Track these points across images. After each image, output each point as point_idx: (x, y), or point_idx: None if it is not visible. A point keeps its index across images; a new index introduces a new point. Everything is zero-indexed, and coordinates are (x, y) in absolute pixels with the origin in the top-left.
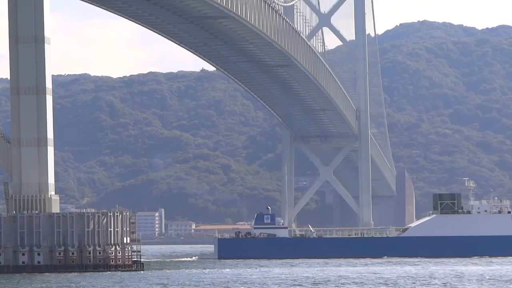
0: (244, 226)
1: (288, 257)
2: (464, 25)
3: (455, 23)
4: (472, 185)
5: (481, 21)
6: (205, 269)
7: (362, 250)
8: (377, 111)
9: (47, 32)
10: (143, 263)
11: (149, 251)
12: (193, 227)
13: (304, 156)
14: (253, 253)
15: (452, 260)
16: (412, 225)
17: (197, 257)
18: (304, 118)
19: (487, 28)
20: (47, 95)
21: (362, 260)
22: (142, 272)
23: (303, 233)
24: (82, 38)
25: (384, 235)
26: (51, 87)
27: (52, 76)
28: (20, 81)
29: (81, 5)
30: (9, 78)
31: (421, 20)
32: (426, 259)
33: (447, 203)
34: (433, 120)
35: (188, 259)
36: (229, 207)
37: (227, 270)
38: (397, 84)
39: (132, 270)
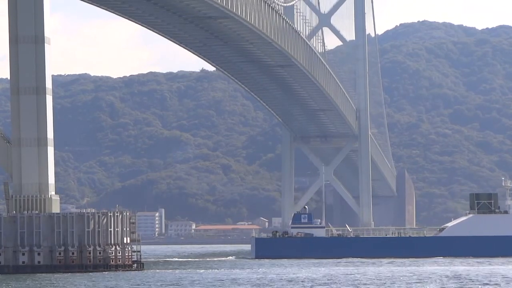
0: (244, 226)
1: (326, 256)
2: (464, 25)
3: (455, 23)
4: (509, 184)
5: (481, 21)
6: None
7: (399, 250)
8: (377, 111)
9: (47, 32)
10: (143, 263)
11: (177, 251)
12: (193, 227)
13: (304, 156)
14: (290, 252)
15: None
16: (449, 224)
17: (233, 256)
18: (304, 118)
19: (487, 28)
20: (47, 95)
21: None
22: (169, 271)
23: (340, 232)
24: (82, 38)
25: (421, 235)
26: (51, 87)
27: (52, 76)
28: (20, 81)
29: (82, 6)
30: (9, 78)
31: (421, 20)
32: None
33: (484, 203)
34: (433, 120)
35: (224, 258)
36: (229, 207)
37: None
38: (397, 84)
39: (132, 270)
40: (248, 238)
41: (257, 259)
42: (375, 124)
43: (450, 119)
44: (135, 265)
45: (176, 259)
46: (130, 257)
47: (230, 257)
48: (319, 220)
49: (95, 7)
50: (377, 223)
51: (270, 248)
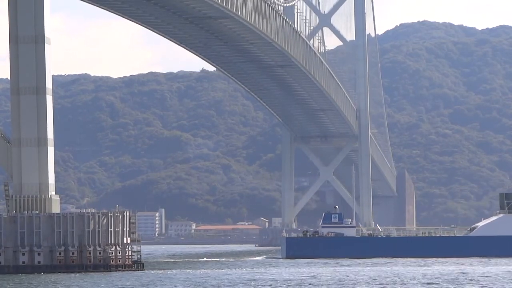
0: (244, 226)
1: (356, 256)
2: (464, 25)
3: (455, 23)
4: None
5: (481, 21)
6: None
7: (430, 249)
8: (377, 111)
9: (47, 32)
10: (143, 263)
11: (205, 250)
12: (193, 227)
13: (304, 156)
14: (321, 252)
15: None
16: (480, 224)
17: (264, 256)
18: (304, 118)
19: (487, 28)
20: (47, 95)
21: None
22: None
23: (371, 232)
24: (82, 38)
25: (452, 235)
26: (51, 87)
27: (52, 76)
28: (20, 81)
29: (82, 6)
30: (9, 78)
31: (421, 20)
32: None
33: None
34: (433, 120)
35: (255, 258)
36: (229, 207)
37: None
38: (397, 84)
39: (132, 270)
40: (248, 238)
41: (288, 259)
42: (375, 124)
43: (450, 119)
44: (135, 265)
45: (205, 259)
46: (130, 257)
47: (262, 256)
48: (350, 220)
49: (95, 7)
50: (377, 223)
51: (301, 247)
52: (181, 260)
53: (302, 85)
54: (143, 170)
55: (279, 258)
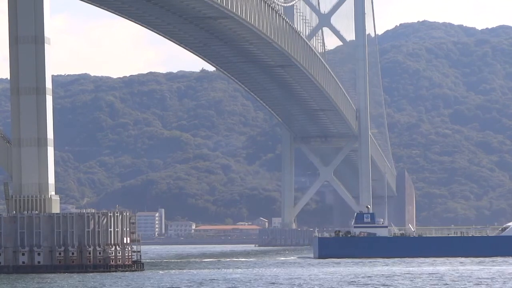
0: (244, 226)
1: (389, 256)
2: (464, 25)
3: (455, 23)
4: None
5: (481, 21)
6: None
7: (463, 249)
8: (377, 111)
9: (47, 32)
10: (143, 263)
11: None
12: (193, 227)
13: (304, 156)
14: (353, 252)
15: None
16: (511, 224)
17: (296, 256)
18: (304, 118)
19: (487, 28)
20: (47, 95)
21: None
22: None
23: (403, 232)
24: (82, 39)
25: (484, 234)
26: (51, 87)
27: (52, 76)
28: (20, 81)
29: (82, 7)
30: (9, 78)
31: (421, 20)
32: None
33: None
34: (433, 120)
35: (286, 258)
36: (229, 207)
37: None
38: (397, 84)
39: (132, 270)
40: (248, 238)
41: (320, 259)
42: (375, 124)
43: (450, 119)
44: (135, 265)
45: (242, 258)
46: (130, 257)
47: (295, 256)
48: (382, 220)
49: (96, 8)
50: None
51: (333, 247)
52: (210, 260)
53: (302, 85)
54: (143, 170)
55: (311, 258)
